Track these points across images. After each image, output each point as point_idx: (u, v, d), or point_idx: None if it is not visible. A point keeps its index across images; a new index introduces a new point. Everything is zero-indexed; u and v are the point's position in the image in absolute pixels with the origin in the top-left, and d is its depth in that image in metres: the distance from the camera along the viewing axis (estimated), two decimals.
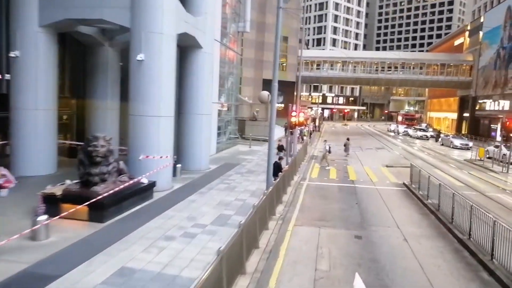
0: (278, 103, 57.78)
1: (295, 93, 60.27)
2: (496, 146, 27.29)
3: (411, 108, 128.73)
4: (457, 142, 39.19)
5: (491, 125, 48.05)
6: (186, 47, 18.73)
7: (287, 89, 56.24)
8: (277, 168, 15.29)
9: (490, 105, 48.43)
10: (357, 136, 51.46)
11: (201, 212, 12.20)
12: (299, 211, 13.56)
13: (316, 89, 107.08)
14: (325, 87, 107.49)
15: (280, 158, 18.83)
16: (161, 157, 14.49)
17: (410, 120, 73.54)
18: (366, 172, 22.95)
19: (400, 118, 78.74)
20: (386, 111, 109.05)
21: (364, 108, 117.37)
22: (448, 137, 42.24)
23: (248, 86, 52.57)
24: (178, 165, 17.77)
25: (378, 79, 57.04)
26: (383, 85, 57.53)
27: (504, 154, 24.81)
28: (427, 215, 13.91)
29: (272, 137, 14.54)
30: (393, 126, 64.21)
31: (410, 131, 54.26)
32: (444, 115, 67.92)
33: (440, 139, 44.96)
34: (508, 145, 25.77)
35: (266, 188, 13.82)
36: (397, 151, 35.59)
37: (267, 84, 55.45)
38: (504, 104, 44.58)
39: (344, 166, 25.42)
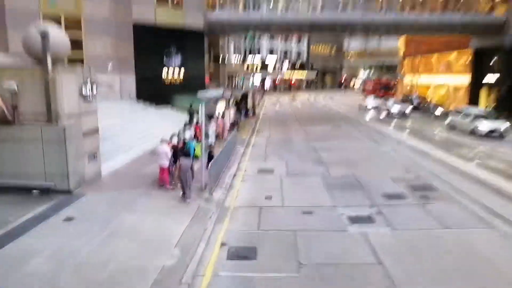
0: (174, 68, 30.97)
1: (205, 51, 33.93)
2: None
3: (367, 74, 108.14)
4: None
5: None
6: None
7: (190, 43, 29.99)
8: None
9: None
10: (322, 126, 26.69)
11: None
12: None
13: (253, 52, 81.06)
14: (264, 50, 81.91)
15: None
16: None
17: (386, 89, 51.00)
18: None
19: (369, 87, 55.92)
20: (344, 78, 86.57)
21: (314, 75, 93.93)
22: None
23: (100, 36, 25.53)
24: None
25: (350, 22, 32.44)
26: (358, 33, 32.93)
27: None
28: None
29: None
30: (373, 101, 40.50)
31: (456, 118, 25.32)
32: (438, 81, 45.86)
33: None
34: None
35: None
36: None
37: (145, 33, 28.11)
38: None
39: None
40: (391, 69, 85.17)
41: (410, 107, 33.74)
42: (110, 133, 17.50)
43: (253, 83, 46.72)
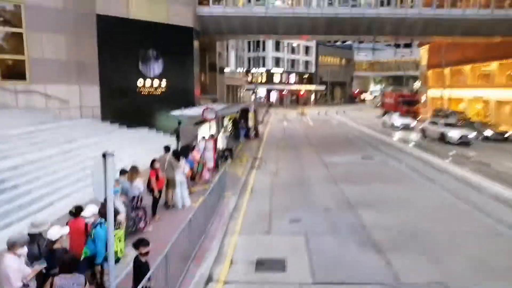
0: (153, 77, 23.47)
1: (194, 57, 26.80)
2: None
3: (378, 87, 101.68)
4: None
5: None
6: None
7: (176, 45, 23.51)
8: None
9: None
10: (346, 155, 19.39)
11: None
12: None
13: (257, 63, 75.12)
14: (269, 61, 75.80)
15: None
16: None
17: (409, 104, 44.11)
18: None
19: (388, 101, 49.19)
20: (356, 92, 79.94)
21: (323, 88, 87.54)
22: None
23: (51, 33, 19.12)
24: None
25: (377, 18, 25.94)
26: (387, 33, 26.26)
27: None
28: None
29: None
30: (400, 119, 33.59)
31: None
32: (473, 94, 38.94)
33: None
34: None
35: None
36: None
37: (114, 31, 20.10)
38: None
39: None
40: (406, 81, 78.54)
41: (474, 132, 25.00)
42: (24, 177, 10.95)
43: (256, 96, 40.25)
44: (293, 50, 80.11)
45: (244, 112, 25.46)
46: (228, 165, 16.15)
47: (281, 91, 73.75)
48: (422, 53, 53.48)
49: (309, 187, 13.45)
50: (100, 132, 18.67)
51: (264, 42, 72.60)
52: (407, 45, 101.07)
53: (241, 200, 11.73)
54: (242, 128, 24.64)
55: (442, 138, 24.28)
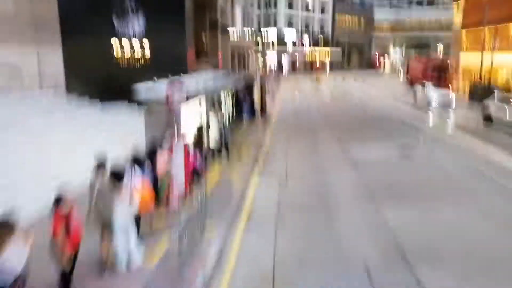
0: (132, 36, 18.07)
1: (186, 9, 20.65)
2: None
3: (398, 50, 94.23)
4: None
5: None
6: None
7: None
8: None
9: None
10: (377, 145, 14.40)
11: None
12: None
13: (267, 22, 68.57)
14: (281, 19, 69.08)
15: None
16: None
17: (439, 71, 38.43)
18: None
19: (415, 67, 43.33)
20: (377, 56, 73.18)
21: (339, 49, 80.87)
22: None
23: None
24: None
25: None
26: None
27: None
28: None
29: None
30: (436, 92, 27.62)
31: None
32: None
33: None
34: None
35: None
36: None
37: None
38: None
39: None
40: (430, 45, 71.31)
41: None
42: None
43: (266, 62, 35.16)
44: (307, 7, 72.93)
45: (249, 86, 20.68)
46: (223, 166, 11.82)
47: (293, 55, 67.52)
48: (455, 9, 46.60)
49: (334, 212, 9.02)
50: (57, 111, 14.33)
51: None
52: (430, 3, 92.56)
53: (230, 241, 7.42)
54: (245, 104, 19.98)
55: None
